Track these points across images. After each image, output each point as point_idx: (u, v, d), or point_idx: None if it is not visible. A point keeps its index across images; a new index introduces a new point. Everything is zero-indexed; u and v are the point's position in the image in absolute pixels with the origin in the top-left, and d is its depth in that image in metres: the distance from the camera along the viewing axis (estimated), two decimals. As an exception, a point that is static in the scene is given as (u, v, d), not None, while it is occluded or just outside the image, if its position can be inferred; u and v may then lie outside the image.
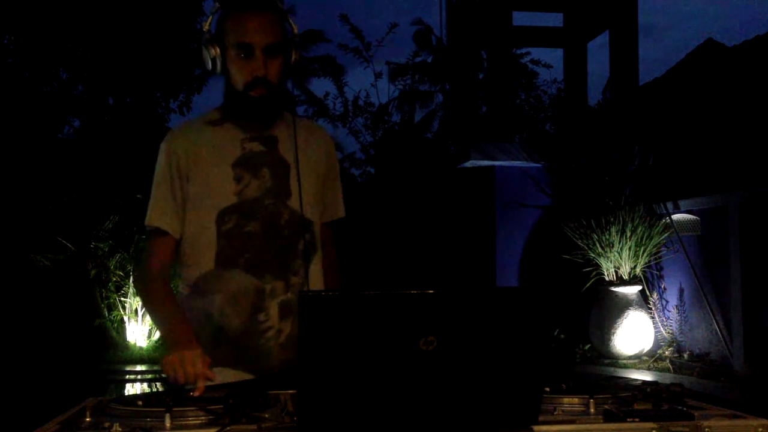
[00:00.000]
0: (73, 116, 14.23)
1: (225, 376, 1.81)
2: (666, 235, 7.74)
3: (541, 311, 1.25)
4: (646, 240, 7.64)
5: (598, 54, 11.71)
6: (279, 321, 1.85)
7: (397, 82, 15.24)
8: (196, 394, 1.54)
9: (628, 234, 7.61)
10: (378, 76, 15.11)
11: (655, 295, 8.06)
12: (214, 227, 1.83)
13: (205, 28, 1.83)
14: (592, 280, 7.81)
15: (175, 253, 1.91)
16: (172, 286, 1.95)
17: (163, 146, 1.89)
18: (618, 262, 7.72)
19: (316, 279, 1.90)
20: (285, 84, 1.89)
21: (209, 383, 1.68)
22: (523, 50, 15.36)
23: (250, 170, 1.85)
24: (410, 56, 15.21)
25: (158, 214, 1.87)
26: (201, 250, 1.86)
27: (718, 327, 7.22)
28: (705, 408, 1.44)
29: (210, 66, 1.85)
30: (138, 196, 9.63)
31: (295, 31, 1.86)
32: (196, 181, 1.85)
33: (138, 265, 1.96)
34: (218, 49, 1.82)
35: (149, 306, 1.97)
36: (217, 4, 1.83)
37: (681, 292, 7.89)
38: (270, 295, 1.84)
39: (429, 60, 15.17)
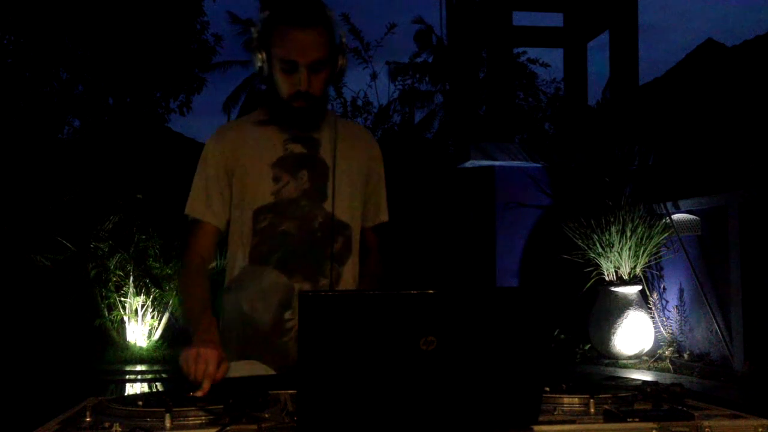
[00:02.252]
0: (73, 116, 14.24)
1: (253, 369, 1.85)
2: (666, 235, 7.74)
3: (541, 311, 1.25)
4: (646, 240, 7.64)
5: (598, 54, 11.72)
6: None
7: (397, 82, 15.27)
8: (199, 394, 1.53)
9: (628, 234, 7.62)
10: (374, 77, 15.13)
11: (655, 295, 8.06)
12: (250, 224, 1.87)
13: (254, 34, 1.84)
14: (592, 280, 7.81)
15: (216, 245, 1.93)
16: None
17: (209, 143, 1.93)
18: (618, 262, 7.72)
19: (346, 282, 1.91)
20: (329, 90, 1.91)
21: (230, 375, 1.69)
22: (520, 49, 15.36)
23: (289, 171, 1.88)
24: (411, 56, 15.24)
25: (197, 205, 1.90)
26: (238, 246, 1.89)
27: (718, 327, 7.22)
28: (705, 408, 1.44)
29: (258, 72, 1.87)
30: (138, 196, 9.64)
31: (343, 38, 1.87)
32: (238, 178, 1.89)
33: (181, 258, 2.03)
34: (264, 55, 1.83)
35: (181, 298, 2.01)
36: (266, 14, 1.83)
37: (681, 292, 7.89)
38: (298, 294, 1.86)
39: (429, 60, 15.19)
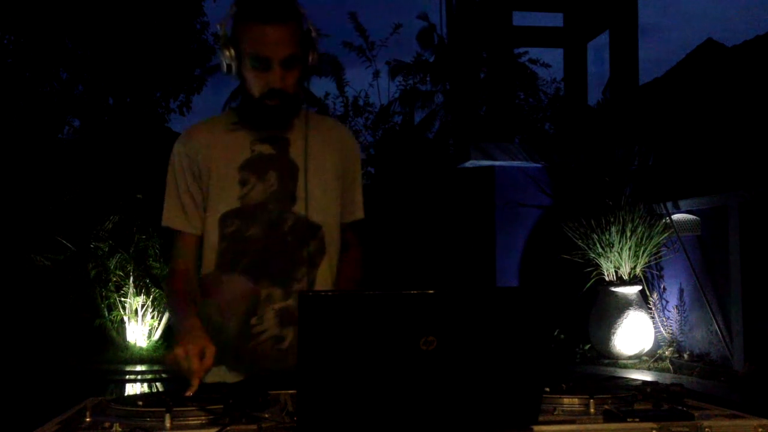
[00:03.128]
0: (73, 116, 14.24)
1: (222, 375, 1.83)
2: (666, 235, 7.74)
3: (541, 311, 1.25)
4: (646, 240, 7.64)
5: (598, 54, 11.72)
6: (279, 327, 1.84)
7: (397, 82, 15.27)
8: (189, 393, 1.53)
9: (628, 234, 7.61)
10: (376, 75, 15.13)
11: (655, 295, 8.06)
12: (217, 230, 1.83)
13: (221, 31, 1.78)
14: (592, 280, 7.81)
15: (198, 252, 1.90)
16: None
17: (176, 146, 1.88)
18: (618, 262, 7.72)
19: (322, 285, 1.87)
20: (302, 86, 1.85)
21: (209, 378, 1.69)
22: (521, 50, 15.37)
23: (256, 173, 1.83)
24: (414, 57, 15.24)
25: (172, 214, 1.87)
26: (206, 252, 1.86)
27: (718, 327, 7.22)
28: (705, 408, 1.44)
29: (225, 69, 1.80)
30: (138, 196, 9.64)
31: (314, 34, 1.80)
32: (205, 182, 1.84)
33: (169, 267, 2.01)
34: (233, 53, 1.77)
35: (168, 305, 1.98)
36: (235, 8, 1.77)
37: (681, 292, 7.89)
38: (266, 300, 1.83)
39: (431, 59, 15.19)
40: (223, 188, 1.82)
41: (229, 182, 1.82)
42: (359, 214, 1.99)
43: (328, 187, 1.88)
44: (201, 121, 1.95)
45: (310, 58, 1.81)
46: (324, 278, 1.88)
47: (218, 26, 1.79)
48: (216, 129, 1.88)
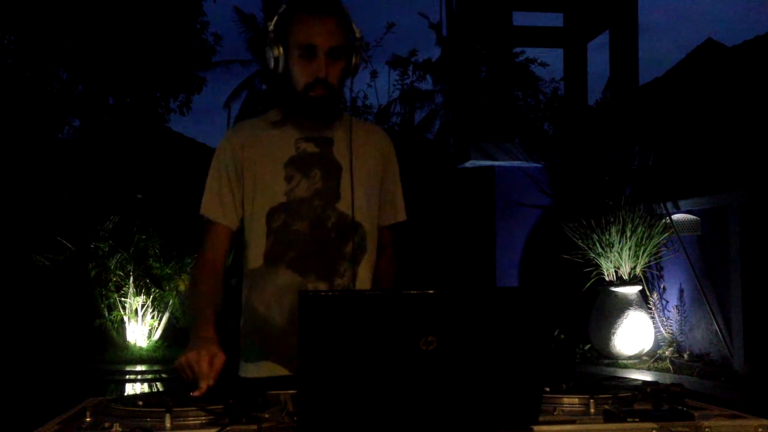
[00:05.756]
0: (73, 116, 14.24)
1: (273, 370, 1.85)
2: (666, 235, 7.74)
3: (541, 311, 1.25)
4: (646, 240, 7.64)
5: (598, 54, 11.71)
6: None
7: (396, 81, 15.27)
8: (196, 394, 1.54)
9: (628, 234, 7.61)
10: (374, 75, 15.13)
11: (655, 295, 8.06)
12: (263, 224, 1.87)
13: (270, 27, 1.86)
14: (592, 280, 7.81)
15: (230, 244, 1.93)
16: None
17: (222, 141, 1.94)
18: (618, 262, 7.72)
19: (362, 283, 1.92)
20: (344, 87, 1.91)
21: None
22: (519, 49, 15.37)
23: (301, 170, 1.88)
24: (409, 53, 15.23)
25: (211, 205, 1.90)
26: (254, 247, 1.90)
27: (718, 327, 7.22)
28: (705, 408, 1.44)
29: (272, 65, 1.86)
30: (138, 196, 9.64)
31: (358, 35, 1.88)
32: (250, 178, 1.88)
33: (196, 257, 2.04)
34: (281, 49, 1.84)
35: (189, 300, 1.97)
36: (284, 6, 1.85)
37: (681, 292, 7.89)
38: None
39: (434, 58, 15.20)
40: (269, 184, 1.87)
41: (275, 178, 1.87)
42: (401, 216, 2.05)
43: (368, 187, 1.94)
44: (247, 120, 2.02)
45: (354, 59, 1.88)
46: (364, 274, 1.93)
47: (267, 23, 1.87)
48: (262, 126, 1.94)
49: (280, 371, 1.86)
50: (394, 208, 2.03)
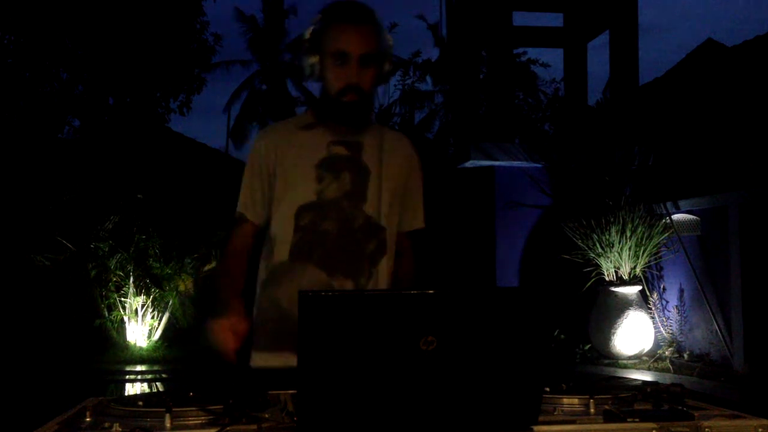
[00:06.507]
0: (73, 116, 14.24)
1: (287, 361, 1.87)
2: (666, 235, 7.74)
3: (541, 311, 1.26)
4: (646, 240, 7.64)
5: (598, 54, 11.71)
6: None
7: (397, 82, 15.27)
8: (233, 359, 1.70)
9: (628, 234, 7.61)
10: None
11: (655, 295, 8.06)
12: (292, 221, 1.94)
13: (306, 36, 1.94)
14: (592, 280, 7.81)
15: (255, 238, 2.02)
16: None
17: (254, 142, 2.04)
18: (618, 262, 7.72)
19: (383, 281, 1.98)
20: (376, 93, 2.05)
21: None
22: (520, 50, 15.37)
23: (332, 172, 1.95)
24: (411, 55, 15.23)
25: (243, 203, 2.00)
26: (280, 242, 1.96)
27: (718, 327, 7.22)
28: (705, 408, 1.44)
29: (308, 72, 1.95)
30: (138, 196, 9.64)
31: (390, 43, 1.97)
32: (281, 177, 1.96)
33: (224, 249, 2.21)
34: (317, 57, 1.92)
35: (217, 277, 2.07)
36: (319, 15, 1.94)
37: (681, 292, 7.89)
38: None
39: (434, 59, 15.19)
40: (299, 183, 1.95)
41: (306, 178, 1.94)
42: (420, 223, 2.11)
43: (392, 192, 2.01)
44: (280, 121, 2.12)
45: (386, 66, 1.97)
46: (384, 275, 1.99)
47: (304, 31, 1.96)
48: (294, 128, 2.02)
49: (294, 363, 1.88)
50: (415, 215, 2.10)
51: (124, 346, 9.43)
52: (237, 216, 2.02)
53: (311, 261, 1.92)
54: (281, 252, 1.95)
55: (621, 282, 7.73)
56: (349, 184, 1.94)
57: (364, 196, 1.95)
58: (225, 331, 1.75)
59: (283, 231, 1.95)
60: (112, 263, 9.45)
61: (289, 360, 1.87)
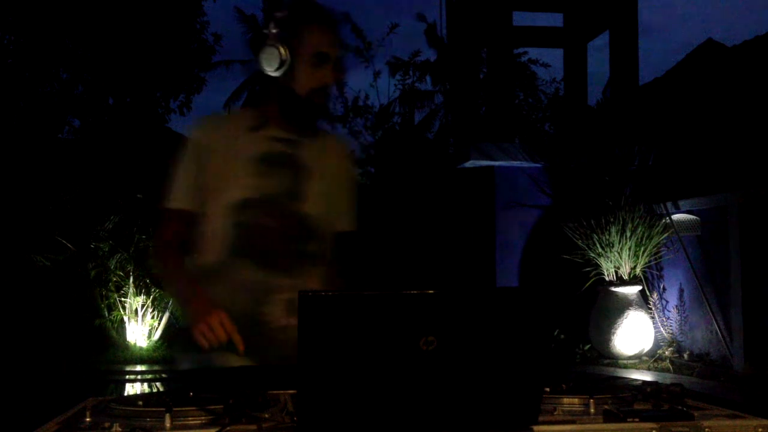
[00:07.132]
0: (73, 116, 14.24)
1: (228, 360, 1.85)
2: (666, 235, 7.74)
3: (541, 311, 1.26)
4: (646, 240, 7.64)
5: (598, 54, 11.71)
6: (287, 317, 1.89)
7: (397, 81, 15.26)
8: (241, 348, 1.71)
9: (628, 234, 7.61)
10: (377, 75, 15.12)
11: (655, 295, 8.06)
12: (230, 218, 1.90)
13: (273, 30, 1.90)
14: (592, 280, 7.81)
15: (189, 227, 1.94)
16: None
17: (188, 132, 2.02)
18: (618, 262, 7.72)
19: (319, 283, 1.95)
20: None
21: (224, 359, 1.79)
22: (521, 50, 15.35)
23: (271, 168, 1.93)
24: (411, 55, 15.23)
25: (172, 196, 1.95)
26: (215, 239, 1.91)
27: (718, 327, 7.22)
28: (705, 408, 1.44)
29: (274, 69, 1.89)
30: (138, 196, 9.64)
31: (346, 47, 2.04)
32: (216, 171, 1.91)
33: (153, 240, 2.11)
34: (287, 51, 1.90)
35: (165, 276, 2.05)
36: (285, 12, 1.92)
37: (681, 292, 7.88)
38: (276, 290, 1.89)
39: (432, 59, 15.18)
40: (238, 177, 1.91)
41: (245, 172, 1.91)
42: (350, 225, 2.09)
43: (329, 193, 2.00)
44: (217, 112, 2.09)
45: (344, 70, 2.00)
46: (321, 274, 1.97)
47: (270, 24, 1.91)
48: (235, 121, 2.02)
49: (240, 362, 1.86)
50: (347, 217, 2.08)
51: (124, 346, 9.43)
52: (170, 206, 1.95)
53: (247, 258, 1.88)
54: (214, 248, 1.90)
55: (621, 282, 7.73)
56: (287, 182, 1.93)
57: (303, 194, 1.94)
58: (219, 328, 1.72)
59: (218, 227, 1.90)
60: (112, 263, 9.44)
61: (230, 360, 1.85)
